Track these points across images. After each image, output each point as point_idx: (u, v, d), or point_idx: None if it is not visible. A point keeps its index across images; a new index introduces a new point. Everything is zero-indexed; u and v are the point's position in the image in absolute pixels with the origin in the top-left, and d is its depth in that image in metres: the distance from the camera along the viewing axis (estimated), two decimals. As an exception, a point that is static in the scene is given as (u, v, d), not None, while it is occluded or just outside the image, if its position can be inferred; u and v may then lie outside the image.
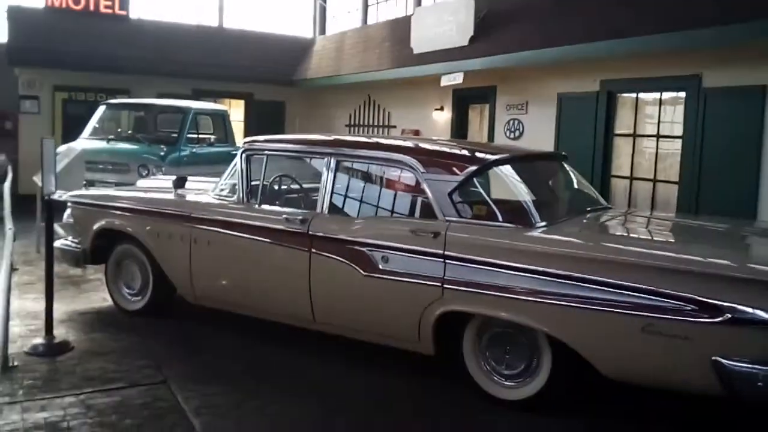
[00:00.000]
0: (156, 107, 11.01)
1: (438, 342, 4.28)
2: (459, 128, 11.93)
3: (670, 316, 3.40)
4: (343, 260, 4.50)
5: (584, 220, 4.51)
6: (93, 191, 6.33)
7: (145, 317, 5.76)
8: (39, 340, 4.92)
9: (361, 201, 4.81)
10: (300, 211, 4.85)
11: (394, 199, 4.75)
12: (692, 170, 7.48)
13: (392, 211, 4.69)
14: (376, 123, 14.64)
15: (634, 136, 8.48)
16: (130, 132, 10.41)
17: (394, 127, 13.95)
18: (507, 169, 4.44)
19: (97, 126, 10.47)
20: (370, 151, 4.74)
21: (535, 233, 4.00)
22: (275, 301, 4.99)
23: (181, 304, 5.80)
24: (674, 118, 8.04)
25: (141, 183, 7.18)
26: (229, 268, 5.19)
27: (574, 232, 4.14)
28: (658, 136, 8.17)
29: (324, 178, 4.80)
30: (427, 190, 4.32)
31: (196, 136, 10.49)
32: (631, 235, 4.45)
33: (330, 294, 4.65)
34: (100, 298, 6.39)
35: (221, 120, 11.11)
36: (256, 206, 5.13)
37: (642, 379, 3.69)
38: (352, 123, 15.50)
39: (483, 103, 11.47)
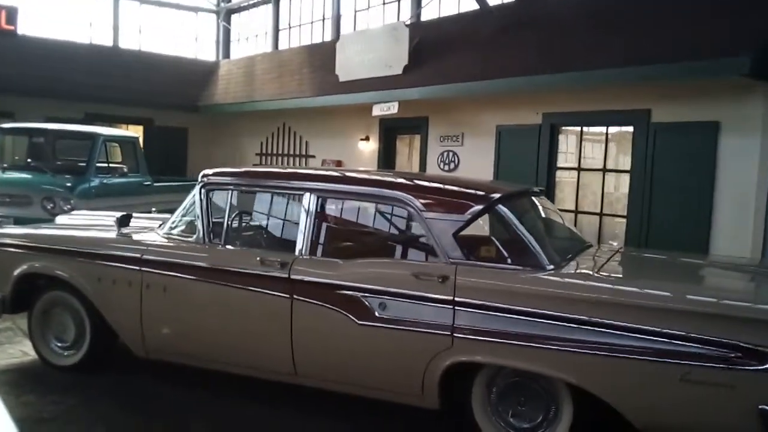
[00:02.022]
0: (59, 133, 10.21)
1: (443, 395, 4.06)
2: (387, 159, 11.84)
3: (711, 364, 3.34)
4: (333, 307, 4.20)
5: (590, 260, 4.44)
6: (11, 230, 5.68)
7: (82, 373, 5.19)
8: (-37, 409, 4.29)
9: (348, 242, 4.56)
10: (278, 253, 4.52)
11: (387, 239, 4.52)
12: (641, 204, 7.70)
13: (385, 253, 4.45)
14: (292, 152, 14.36)
15: (579, 169, 8.66)
16: (29, 160, 9.56)
17: (313, 156, 13.71)
18: (506, 208, 4.30)
19: (-12, 154, 9.60)
20: (359, 187, 4.47)
21: (554, 277, 3.88)
22: (248, 354, 4.60)
23: (122, 356, 5.28)
24: (621, 152, 8.28)
25: (61, 219, 6.55)
26: (190, 318, 4.74)
27: (592, 275, 4.05)
28: (604, 170, 8.38)
29: (304, 216, 4.48)
30: (428, 231, 4.11)
31: (106, 165, 9.80)
32: (655, 277, 4.38)
33: (316, 345, 4.33)
34: (18, 351, 5.71)
35: (131, 148, 10.45)
36: (220, 247, 4.75)
37: (680, 430, 3.61)
38: (265, 152, 15.15)
39: (413, 133, 11.45)
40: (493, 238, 4.14)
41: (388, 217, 4.48)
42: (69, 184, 8.90)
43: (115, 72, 15.27)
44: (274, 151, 14.92)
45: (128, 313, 4.91)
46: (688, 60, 6.65)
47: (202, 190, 4.90)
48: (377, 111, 10.46)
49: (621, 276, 4.20)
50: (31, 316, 5.40)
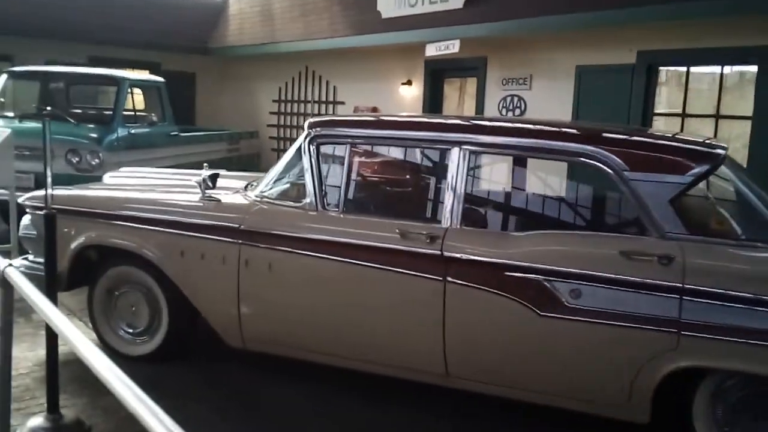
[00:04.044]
0: (79, 77, 9.17)
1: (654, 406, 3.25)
2: (433, 106, 10.85)
3: None
4: (503, 294, 3.35)
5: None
6: (65, 191, 4.72)
7: (159, 364, 4.36)
8: (39, 421, 3.43)
9: (516, 210, 3.67)
10: (420, 223, 3.62)
11: (572, 207, 3.64)
12: (766, 156, 6.78)
13: (568, 224, 3.58)
14: (316, 98, 13.32)
15: (683, 116, 7.73)
16: (48, 108, 8.47)
17: (343, 103, 12.69)
18: (724, 167, 3.43)
19: (1, 100, 8.52)
20: (530, 140, 3.55)
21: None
22: (381, 349, 3.76)
23: (203, 343, 4.47)
24: (740, 96, 7.35)
25: (110, 179, 5.59)
26: (303, 303, 3.87)
27: None
28: (717, 117, 7.45)
29: (452, 177, 3.59)
30: (634, 196, 3.24)
31: (133, 113, 8.76)
32: None
33: (478, 341, 3.48)
34: (72, 336, 4.84)
35: (157, 93, 9.39)
36: (339, 215, 3.85)
37: None
38: (284, 98, 14.09)
39: (465, 76, 10.46)
40: (722, 208, 3.28)
41: (573, 177, 3.61)
42: (95, 135, 7.89)
43: (120, 11, 14.13)
44: (295, 98, 13.86)
45: (221, 295, 4.05)
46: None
47: (311, 145, 3.98)
48: (432, 51, 9.43)
49: None
50: (93, 295, 4.54)
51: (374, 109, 11.86)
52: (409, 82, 11.21)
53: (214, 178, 4.23)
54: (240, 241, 3.94)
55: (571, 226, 3.64)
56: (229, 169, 6.33)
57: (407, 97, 11.29)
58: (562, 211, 3.68)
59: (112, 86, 8.66)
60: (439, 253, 3.48)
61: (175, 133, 9.52)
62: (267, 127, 14.20)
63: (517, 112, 9.34)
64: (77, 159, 7.70)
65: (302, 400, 4.00)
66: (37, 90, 9.31)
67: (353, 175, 3.93)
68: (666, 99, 7.96)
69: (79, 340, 2.31)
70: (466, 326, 3.48)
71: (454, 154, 3.61)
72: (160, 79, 9.65)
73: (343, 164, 3.90)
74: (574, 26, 8.01)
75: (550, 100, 8.84)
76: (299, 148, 4.05)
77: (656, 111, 7.91)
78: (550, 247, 3.34)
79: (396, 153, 4.06)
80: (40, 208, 4.55)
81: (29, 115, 8.34)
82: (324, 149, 3.98)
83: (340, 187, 3.88)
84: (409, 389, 3.92)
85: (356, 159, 3.92)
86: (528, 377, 3.45)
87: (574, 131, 3.57)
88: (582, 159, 3.38)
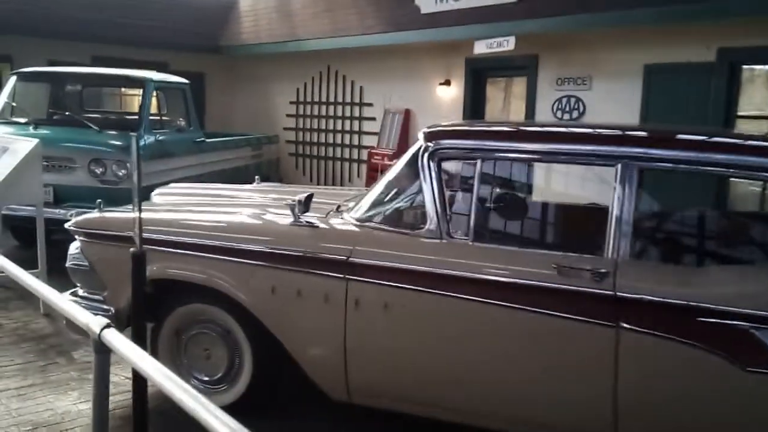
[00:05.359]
0: (98, 78, 8.54)
1: None
2: (474, 108, 10.28)
3: None
4: (695, 344, 2.78)
5: None
6: (117, 214, 4.12)
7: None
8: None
9: (702, 238, 3.10)
10: (582, 256, 3.05)
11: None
12: None
13: (763, 255, 3.01)
14: (340, 100, 12.74)
15: (772, 118, 7.22)
16: (67, 113, 7.83)
17: (370, 105, 12.11)
18: None
19: (13, 105, 7.87)
20: (714, 154, 2.99)
21: None
22: (532, 408, 3.17)
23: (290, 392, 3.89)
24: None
25: (158, 197, 4.98)
26: (432, 350, 3.28)
27: None
28: (813, 119, 6.95)
29: (617, 198, 3.02)
30: None
31: (158, 118, 8.13)
32: None
33: (662, 400, 2.91)
34: (122, 378, 4.21)
35: (181, 96, 8.76)
36: (470, 244, 3.27)
37: None
38: (302, 100, 13.51)
39: (511, 76, 9.91)
40: None
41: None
42: (120, 143, 7.25)
43: (124, 9, 13.55)
44: (316, 99, 13.27)
45: (323, 339, 3.47)
46: None
47: (431, 160, 3.39)
48: (482, 48, 8.86)
49: None
50: (158, 336, 3.94)
51: (407, 112, 11.31)
52: (447, 83, 10.64)
53: (308, 200, 3.63)
54: (348, 276, 3.36)
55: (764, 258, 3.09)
56: (254, 176, 5.76)
57: (445, 98, 10.71)
58: (757, 239, 3.13)
59: (134, 88, 8.02)
60: (611, 293, 2.91)
61: (201, 139, 8.91)
62: (284, 131, 13.63)
63: (575, 114, 8.79)
64: (102, 170, 7.09)
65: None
66: (48, 93, 8.66)
67: (485, 197, 3.35)
68: (750, 100, 7.42)
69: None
70: (645, 382, 2.91)
71: (620, 170, 3.04)
72: (184, 80, 9.02)
73: (471, 183, 3.32)
74: (643, 22, 7.47)
75: (614, 102, 8.28)
76: (412, 164, 3.47)
77: (739, 113, 7.38)
78: (757, 286, 2.78)
79: (540, 169, 3.49)
80: (96, 236, 3.98)
81: (44, 121, 7.72)
82: (447, 166, 3.41)
83: (468, 210, 3.31)
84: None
85: (488, 177, 3.35)
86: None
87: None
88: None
